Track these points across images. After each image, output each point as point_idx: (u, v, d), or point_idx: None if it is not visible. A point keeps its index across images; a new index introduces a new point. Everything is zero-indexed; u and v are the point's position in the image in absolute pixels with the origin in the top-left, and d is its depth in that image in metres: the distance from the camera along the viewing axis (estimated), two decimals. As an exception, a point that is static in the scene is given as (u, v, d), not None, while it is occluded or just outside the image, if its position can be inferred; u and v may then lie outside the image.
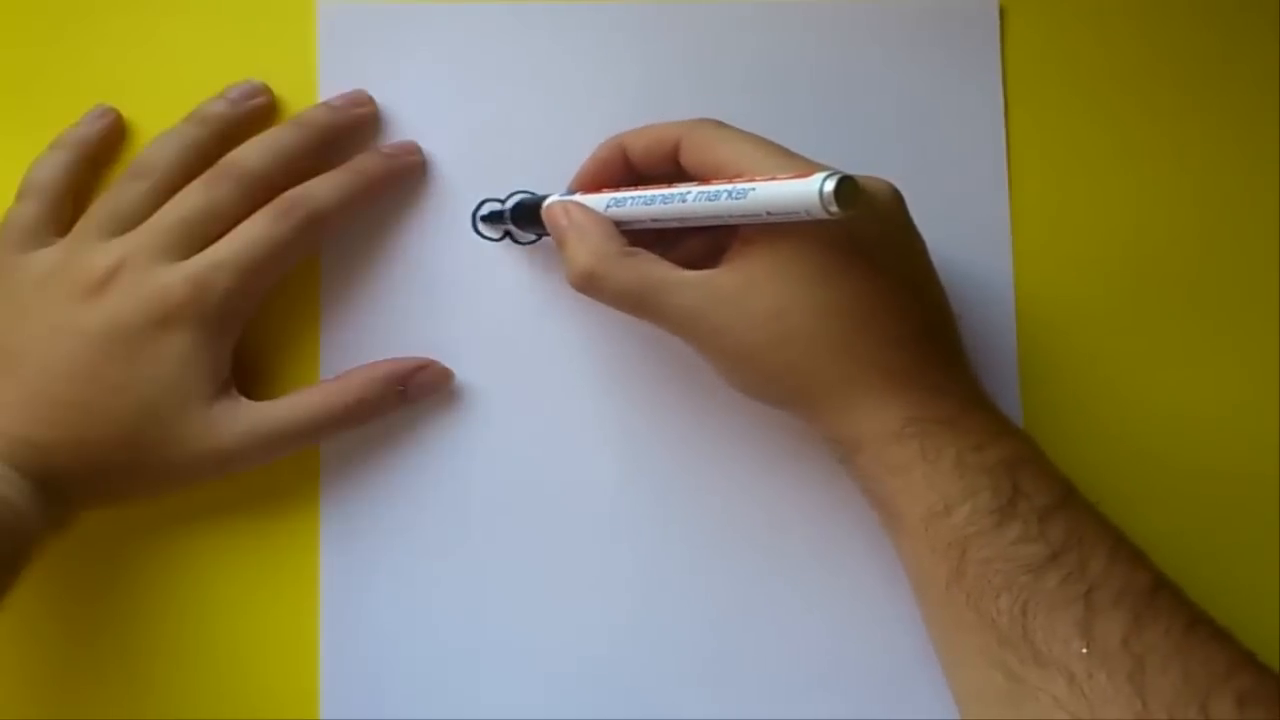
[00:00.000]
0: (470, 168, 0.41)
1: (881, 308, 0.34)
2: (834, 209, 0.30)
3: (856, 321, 0.34)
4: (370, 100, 0.40)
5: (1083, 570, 0.32)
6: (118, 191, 0.38)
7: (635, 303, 0.36)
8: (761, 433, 0.40)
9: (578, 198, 0.38)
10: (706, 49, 0.41)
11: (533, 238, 0.41)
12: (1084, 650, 0.31)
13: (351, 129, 0.40)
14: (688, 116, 0.37)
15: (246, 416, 0.38)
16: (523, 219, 0.40)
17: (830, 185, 0.30)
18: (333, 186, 0.39)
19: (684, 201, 0.34)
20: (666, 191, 0.35)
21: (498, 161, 0.41)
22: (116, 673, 0.39)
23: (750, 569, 0.40)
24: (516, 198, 0.40)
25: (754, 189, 0.32)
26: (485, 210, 0.40)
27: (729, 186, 0.33)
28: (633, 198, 0.36)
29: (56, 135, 0.40)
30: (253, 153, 0.38)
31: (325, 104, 0.40)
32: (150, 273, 0.36)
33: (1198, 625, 0.32)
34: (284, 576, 0.40)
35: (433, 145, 0.41)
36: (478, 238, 0.41)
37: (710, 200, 0.33)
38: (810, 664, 0.40)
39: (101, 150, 0.40)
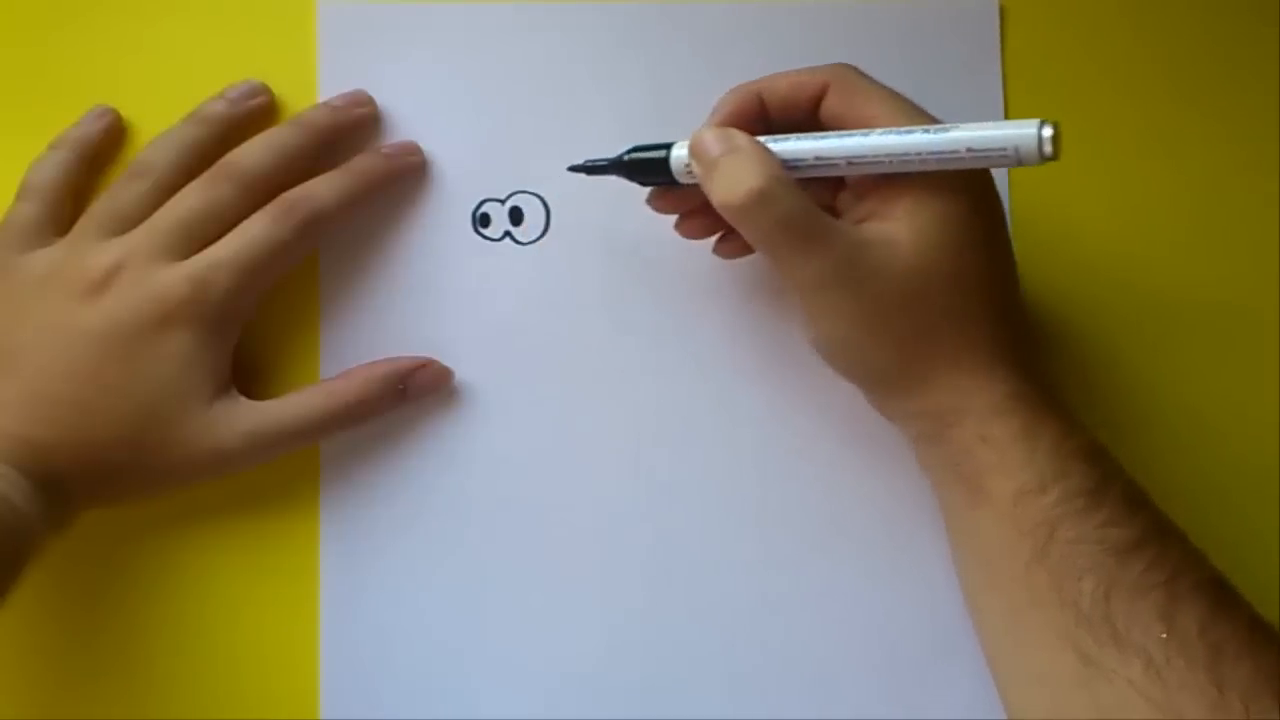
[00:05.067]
0: (470, 168, 0.41)
1: (998, 278, 0.35)
2: (1048, 152, 0.31)
3: (982, 290, 0.34)
4: (370, 100, 0.40)
5: (1164, 558, 0.32)
6: (117, 191, 0.38)
7: (798, 235, 0.33)
8: (766, 431, 0.40)
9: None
10: (707, 49, 0.41)
11: (535, 235, 0.41)
12: (1164, 635, 0.31)
13: (351, 129, 0.40)
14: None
15: (246, 416, 0.38)
16: (639, 169, 0.37)
17: (1049, 131, 0.31)
18: (333, 187, 0.39)
19: (866, 138, 0.33)
20: (840, 133, 0.34)
21: (498, 161, 0.41)
22: (116, 673, 0.39)
23: (755, 569, 0.40)
24: (507, 191, 0.40)
25: (956, 128, 0.32)
26: (585, 162, 0.39)
27: (923, 127, 0.33)
28: (798, 137, 0.34)
29: (56, 135, 0.40)
30: (252, 153, 0.38)
31: (325, 104, 0.40)
32: (150, 273, 0.37)
33: (1260, 621, 0.32)
34: (284, 576, 0.40)
35: (433, 145, 0.41)
36: (478, 238, 0.41)
37: (902, 136, 0.33)
38: (817, 663, 0.40)
39: (101, 150, 0.40)
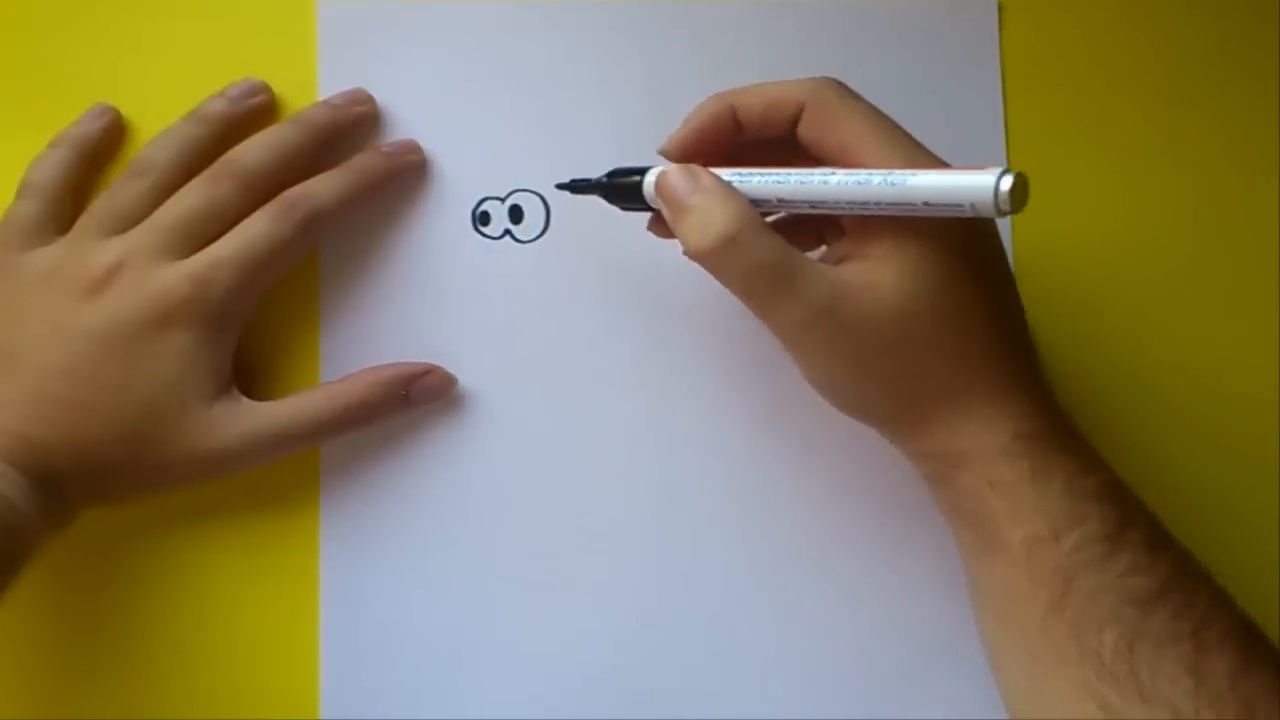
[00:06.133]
0: (470, 168, 0.41)
1: (995, 315, 0.33)
2: (1005, 208, 0.29)
3: (975, 328, 0.33)
4: (370, 99, 0.40)
5: (1190, 607, 0.31)
6: (118, 190, 0.38)
7: (770, 283, 0.32)
8: (766, 433, 0.40)
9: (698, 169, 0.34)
10: (707, 48, 0.41)
11: (535, 234, 0.41)
12: (1192, 689, 0.30)
13: (351, 127, 0.40)
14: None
15: (247, 417, 0.37)
16: (618, 192, 0.37)
17: (1008, 183, 0.29)
18: (333, 186, 0.39)
19: (825, 183, 0.32)
20: (803, 172, 0.32)
21: (498, 161, 0.41)
22: (116, 672, 0.39)
23: (755, 571, 0.40)
24: (501, 191, 0.40)
25: (914, 176, 0.30)
26: (569, 181, 0.38)
27: (883, 173, 0.31)
28: (761, 174, 0.33)
29: (56, 133, 0.40)
30: (253, 151, 0.38)
31: (325, 102, 0.40)
32: (150, 271, 0.36)
33: None
34: (284, 576, 0.40)
35: (433, 145, 0.41)
36: (478, 237, 0.41)
37: (860, 184, 0.31)
38: (814, 664, 0.40)
39: (101, 149, 0.40)
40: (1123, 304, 0.42)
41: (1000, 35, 0.42)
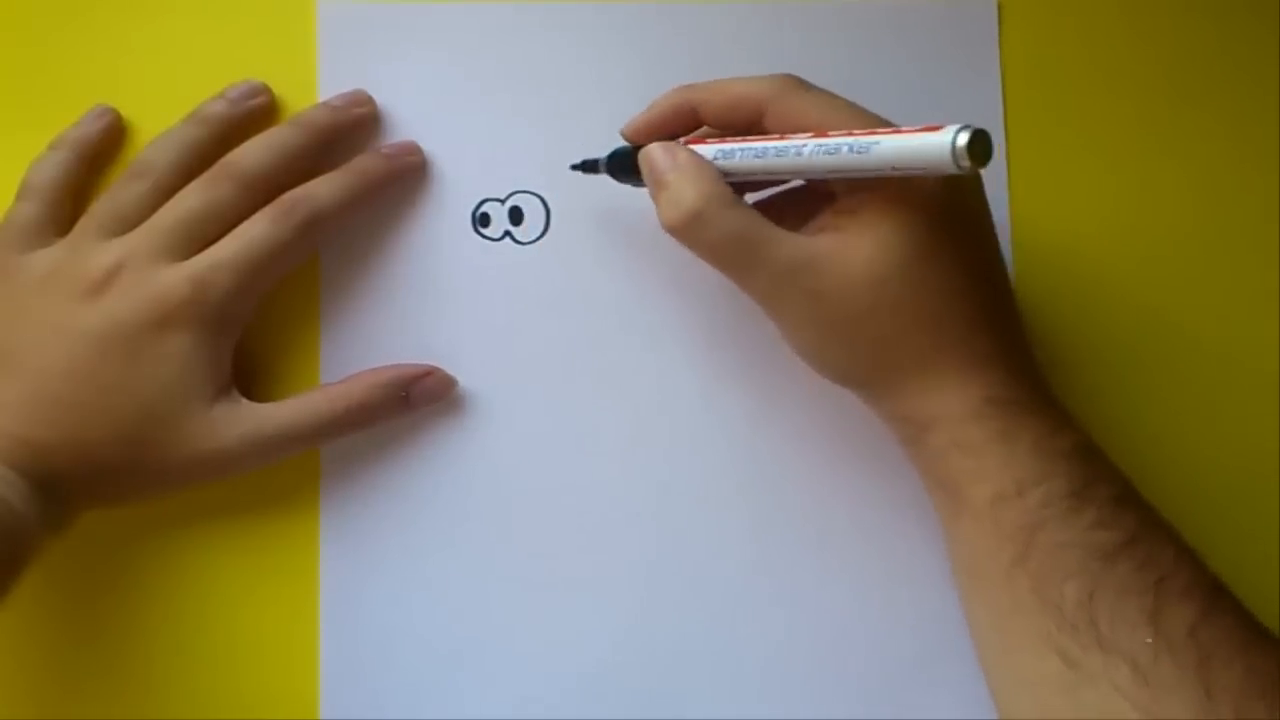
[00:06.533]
0: (470, 168, 0.41)
1: (973, 285, 0.34)
2: (965, 164, 0.30)
3: (951, 297, 0.34)
4: (370, 100, 0.40)
5: (1153, 560, 0.32)
6: (117, 191, 0.38)
7: (736, 253, 0.34)
8: (766, 431, 0.40)
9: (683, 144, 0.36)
10: (706, 49, 0.41)
11: (535, 235, 0.41)
12: (1150, 639, 0.31)
13: (351, 129, 0.40)
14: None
15: (247, 418, 0.37)
16: (618, 167, 0.38)
17: (964, 139, 0.30)
18: (333, 187, 0.39)
19: (799, 155, 0.33)
20: (779, 144, 0.34)
21: (498, 161, 0.41)
22: (116, 673, 0.39)
23: (756, 570, 0.40)
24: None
25: (878, 143, 0.31)
26: (578, 161, 0.39)
27: (849, 139, 0.32)
28: (741, 149, 0.34)
29: (56, 135, 0.40)
30: (252, 153, 0.38)
31: (325, 104, 0.40)
32: (150, 273, 0.36)
33: (1254, 624, 0.32)
34: (284, 576, 0.40)
35: (433, 145, 0.41)
36: (478, 239, 0.41)
37: (829, 154, 0.32)
38: (814, 664, 0.40)
39: (101, 150, 0.40)
40: (1122, 304, 0.42)
41: (1000, 35, 0.42)
